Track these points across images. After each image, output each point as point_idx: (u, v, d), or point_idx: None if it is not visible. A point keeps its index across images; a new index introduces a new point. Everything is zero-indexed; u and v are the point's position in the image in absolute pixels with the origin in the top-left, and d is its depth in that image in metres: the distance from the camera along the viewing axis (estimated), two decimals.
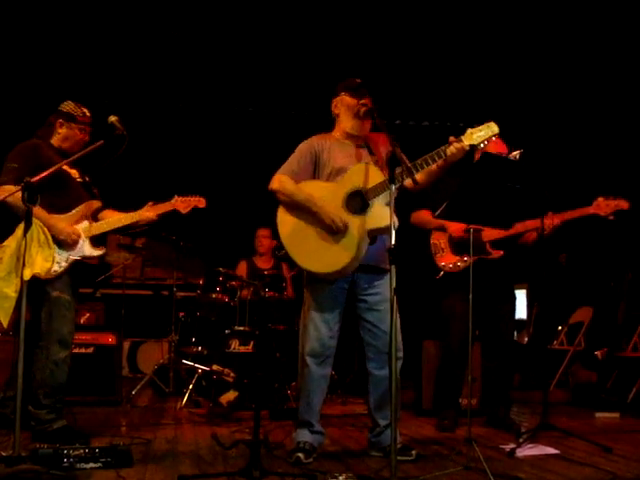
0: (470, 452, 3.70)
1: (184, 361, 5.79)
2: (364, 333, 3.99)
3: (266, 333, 5.69)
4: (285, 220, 3.93)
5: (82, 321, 7.17)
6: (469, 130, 3.59)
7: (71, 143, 4.42)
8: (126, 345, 7.49)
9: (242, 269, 6.70)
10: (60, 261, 4.07)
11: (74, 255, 4.18)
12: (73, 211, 4.25)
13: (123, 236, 6.76)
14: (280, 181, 3.92)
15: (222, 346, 5.63)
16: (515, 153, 4.06)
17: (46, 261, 3.41)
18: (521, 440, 4.21)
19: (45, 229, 3.47)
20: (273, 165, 4.10)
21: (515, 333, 8.88)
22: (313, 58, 7.52)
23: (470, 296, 3.97)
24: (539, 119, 7.52)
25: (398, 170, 3.47)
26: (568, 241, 7.64)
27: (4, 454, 3.26)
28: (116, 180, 7.36)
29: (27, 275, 3.30)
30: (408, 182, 3.81)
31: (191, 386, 5.64)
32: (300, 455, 3.77)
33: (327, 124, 4.16)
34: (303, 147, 4.02)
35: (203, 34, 7.30)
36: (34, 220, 3.38)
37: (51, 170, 3.44)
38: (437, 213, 3.59)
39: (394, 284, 3.24)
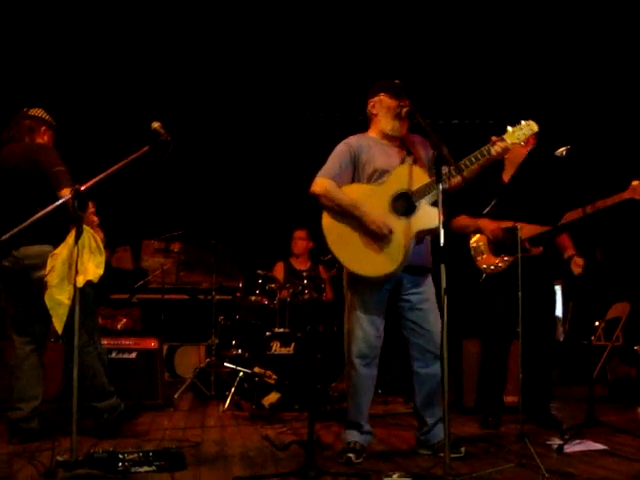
0: (521, 449, 3.70)
1: (226, 364, 5.81)
2: (407, 333, 4.00)
3: (307, 335, 5.70)
4: (330, 225, 3.92)
5: (119, 326, 7.25)
6: (510, 129, 3.61)
7: None
8: (164, 349, 7.55)
9: (279, 270, 6.72)
10: None
11: None
12: None
13: (158, 241, 6.83)
14: (323, 185, 3.91)
15: (263, 348, 5.66)
16: (562, 150, 4.04)
17: (98, 268, 3.44)
18: (567, 436, 4.19)
19: (96, 236, 3.51)
20: (308, 166, 4.13)
21: None
22: (341, 59, 7.55)
23: (520, 293, 3.95)
24: (565, 108, 7.47)
25: (444, 170, 3.48)
26: (603, 236, 7.59)
27: (61, 459, 3.31)
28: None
29: (80, 282, 3.35)
30: (449, 183, 3.83)
31: (233, 389, 5.67)
32: (351, 455, 3.79)
33: (358, 125, 4.18)
34: (342, 148, 4.02)
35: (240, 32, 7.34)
36: (85, 227, 3.43)
37: (101, 177, 3.48)
38: (485, 211, 3.59)
39: (444, 284, 3.26)
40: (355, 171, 3.99)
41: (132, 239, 7.87)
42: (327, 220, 3.93)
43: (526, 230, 4.69)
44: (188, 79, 7.76)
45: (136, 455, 3.53)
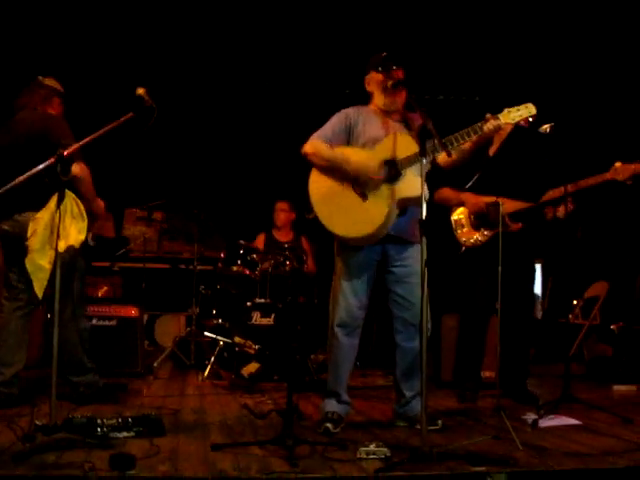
0: (497, 422, 3.75)
1: (206, 333, 5.84)
2: (392, 305, 4.02)
3: (288, 305, 5.72)
4: (317, 182, 3.95)
5: (100, 294, 7.24)
6: (506, 109, 3.61)
7: None
8: (144, 318, 7.54)
9: (260, 241, 6.72)
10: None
11: None
12: None
13: (140, 210, 6.80)
14: (314, 145, 3.95)
15: (243, 318, 5.68)
16: (546, 126, 4.06)
17: (80, 233, 3.42)
18: (542, 411, 4.25)
19: (79, 201, 3.49)
20: (292, 138, 4.13)
21: None
22: (328, 32, 7.51)
23: (499, 268, 3.99)
24: (554, 87, 7.49)
25: (429, 144, 3.49)
26: (584, 215, 7.64)
27: (39, 423, 3.31)
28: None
29: (62, 247, 3.33)
30: (441, 159, 3.85)
31: (213, 358, 5.69)
32: (329, 425, 3.82)
33: (344, 98, 4.19)
34: (339, 115, 4.05)
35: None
36: (67, 192, 3.40)
37: (84, 142, 3.46)
38: (468, 186, 3.60)
39: (425, 256, 3.28)
40: (349, 140, 4.00)
41: (114, 207, 7.81)
42: (314, 178, 3.96)
43: (508, 206, 4.71)
44: (172, 46, 7.69)
45: (115, 420, 3.54)
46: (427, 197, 3.65)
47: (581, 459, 3.29)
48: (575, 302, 7.57)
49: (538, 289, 8.52)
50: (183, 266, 7.53)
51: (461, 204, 4.91)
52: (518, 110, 3.56)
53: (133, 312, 5.77)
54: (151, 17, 7.44)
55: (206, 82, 7.96)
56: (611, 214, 7.68)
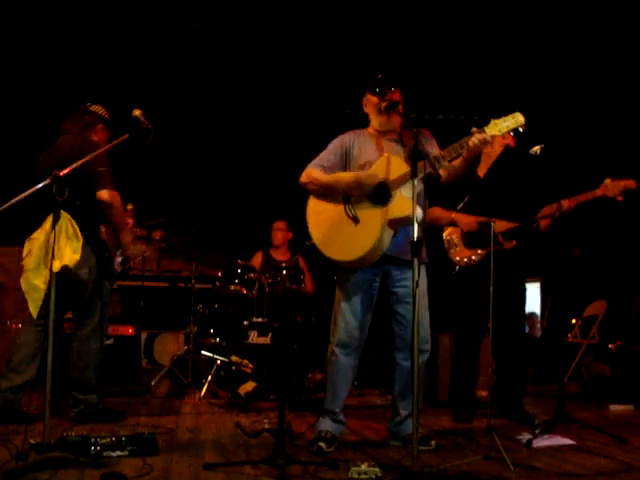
0: (490, 442, 3.75)
1: (203, 352, 5.86)
2: (394, 325, 4.05)
3: (284, 325, 5.74)
4: (313, 209, 4.04)
5: None
6: (493, 121, 3.56)
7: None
8: (143, 337, 7.55)
9: (257, 260, 6.76)
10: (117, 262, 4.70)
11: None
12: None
13: (140, 228, 6.83)
14: (308, 174, 4.03)
15: (240, 337, 5.70)
16: (536, 148, 4.08)
17: (75, 253, 3.47)
18: (537, 431, 4.25)
19: (73, 222, 3.54)
20: (290, 158, 4.18)
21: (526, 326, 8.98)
22: (327, 52, 7.58)
23: (491, 288, 4.01)
24: (542, 105, 7.54)
25: (421, 164, 3.53)
26: (582, 234, 7.66)
27: (33, 442, 3.33)
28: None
29: (56, 267, 3.37)
30: (441, 173, 3.87)
31: (210, 377, 5.70)
32: (322, 444, 3.83)
33: (344, 119, 4.24)
34: (335, 143, 4.12)
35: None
36: (62, 213, 3.45)
37: (80, 163, 3.52)
38: (459, 207, 3.62)
39: (416, 277, 3.30)
40: (346, 166, 4.06)
41: None
42: (311, 204, 4.05)
43: (500, 224, 4.74)
44: (170, 65, 7.75)
45: (109, 439, 3.56)
46: (420, 217, 3.68)
47: (572, 479, 3.30)
48: (574, 321, 7.58)
49: (537, 308, 8.54)
50: (182, 284, 7.55)
51: (452, 223, 4.94)
52: (505, 121, 3.51)
53: (130, 331, 5.80)
54: (149, 36, 7.49)
55: (205, 101, 8.01)
56: (608, 232, 7.69)
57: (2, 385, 4.39)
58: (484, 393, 5.43)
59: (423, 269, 4.05)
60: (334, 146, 4.10)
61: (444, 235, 5.04)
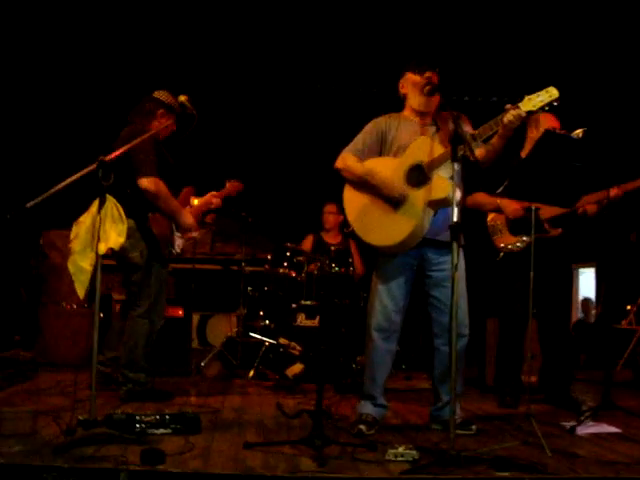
0: (529, 428, 3.73)
1: (251, 334, 5.95)
2: (431, 309, 4.05)
3: (331, 308, 5.78)
4: (350, 197, 4.04)
5: None
6: (527, 97, 3.52)
7: (167, 132, 4.76)
8: (195, 318, 7.70)
9: (308, 243, 6.79)
10: (179, 245, 4.90)
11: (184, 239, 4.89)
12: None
13: None
14: (343, 159, 4.04)
15: (289, 320, 5.77)
16: (578, 131, 4.02)
17: (119, 236, 3.56)
18: (582, 418, 4.20)
19: (119, 205, 3.63)
20: (342, 141, 4.18)
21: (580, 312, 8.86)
22: (380, 36, 7.54)
23: (531, 274, 3.97)
24: (594, 92, 7.37)
25: (461, 148, 3.51)
26: (638, 218, 7.48)
27: (82, 418, 3.45)
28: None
29: (102, 250, 3.47)
30: (478, 153, 3.82)
31: (258, 359, 5.79)
32: (362, 427, 3.86)
33: (397, 103, 4.22)
34: (370, 126, 4.10)
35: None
36: (108, 197, 3.54)
37: (126, 148, 3.61)
38: (498, 191, 3.58)
39: (455, 260, 3.30)
40: (382, 149, 4.05)
41: None
42: (347, 193, 4.05)
43: (546, 211, 4.68)
44: (218, 51, 7.85)
45: (153, 417, 3.66)
46: (458, 199, 3.67)
47: (613, 467, 3.25)
48: (629, 307, 7.44)
49: (592, 294, 8.40)
50: (235, 267, 7.63)
51: (497, 209, 4.89)
52: (538, 96, 3.46)
53: (180, 312, 5.93)
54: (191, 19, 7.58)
55: (257, 84, 8.07)
56: None
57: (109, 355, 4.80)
58: (534, 378, 5.38)
59: (461, 252, 4.03)
60: (369, 130, 4.08)
61: (488, 220, 5.00)
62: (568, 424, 4.15)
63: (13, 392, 4.81)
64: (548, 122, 4.58)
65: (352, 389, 5.27)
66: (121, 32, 7.58)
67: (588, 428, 4.12)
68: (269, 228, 6.73)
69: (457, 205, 3.43)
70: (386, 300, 3.99)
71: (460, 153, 3.56)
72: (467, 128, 3.96)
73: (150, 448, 3.08)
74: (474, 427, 3.95)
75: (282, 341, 5.61)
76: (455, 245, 3.32)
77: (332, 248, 6.10)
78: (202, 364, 6.02)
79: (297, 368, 5.51)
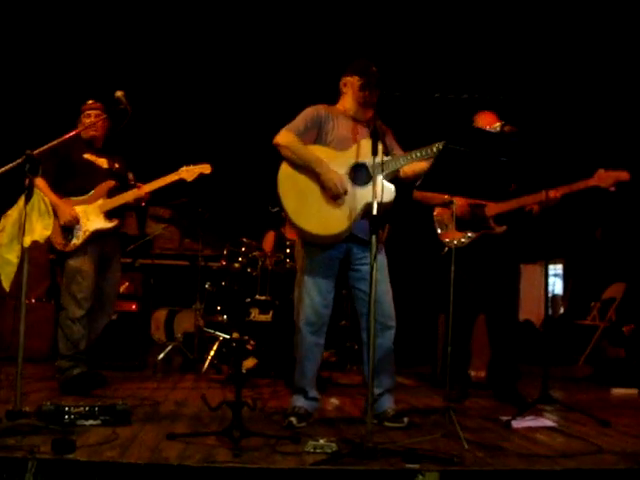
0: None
1: (205, 329, 5.98)
2: (357, 303, 4.08)
3: (285, 302, 5.81)
4: (286, 175, 4.01)
5: (122, 290, 7.42)
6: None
7: (88, 130, 4.90)
8: (163, 313, 7.74)
9: (269, 240, 6.81)
10: (78, 236, 4.75)
11: (90, 228, 4.78)
12: (87, 195, 4.86)
13: (154, 207, 6.99)
14: (287, 137, 4.01)
15: (242, 315, 5.80)
16: (496, 125, 4.07)
17: (45, 229, 3.59)
18: (520, 412, 4.23)
19: (46, 199, 3.67)
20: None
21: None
22: (319, 27, 7.58)
23: (453, 271, 4.01)
24: (538, 93, 7.41)
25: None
26: (604, 215, 7.52)
27: (27, 409, 3.51)
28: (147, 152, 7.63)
29: (27, 242, 3.51)
30: (402, 172, 3.92)
31: (212, 353, 5.83)
32: (292, 419, 3.90)
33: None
34: (310, 111, 4.11)
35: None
36: (35, 191, 3.58)
37: (54, 143, 3.67)
38: (417, 184, 3.62)
39: (373, 254, 3.34)
40: (318, 136, 4.07)
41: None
42: (284, 171, 4.02)
43: (492, 208, 4.72)
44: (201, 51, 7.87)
45: (82, 409, 3.69)
46: (390, 198, 3.78)
47: (528, 460, 3.28)
48: (592, 304, 7.47)
49: (559, 290, 8.43)
50: (203, 263, 7.66)
51: (445, 204, 4.92)
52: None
53: (133, 307, 5.97)
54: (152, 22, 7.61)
55: (212, 77, 8.09)
56: (631, 214, 7.53)
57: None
58: (482, 374, 5.42)
59: (382, 248, 4.07)
60: (310, 115, 4.09)
61: (434, 215, 5.01)
62: (505, 418, 4.18)
63: None
64: (485, 119, 4.61)
65: None
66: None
67: (524, 422, 4.16)
68: (227, 223, 6.76)
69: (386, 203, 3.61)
70: (314, 294, 4.02)
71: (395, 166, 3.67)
72: (397, 147, 4.07)
73: (61, 437, 3.10)
74: (406, 420, 3.99)
75: (235, 336, 5.63)
76: (374, 238, 3.36)
77: (287, 243, 6.12)
78: (158, 358, 6.05)
79: (250, 362, 5.55)
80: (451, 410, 3.72)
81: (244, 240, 6.17)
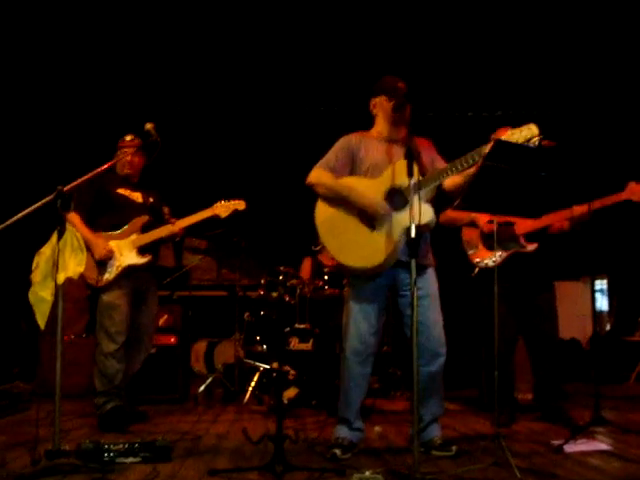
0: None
1: (245, 360, 5.91)
2: (407, 329, 3.96)
3: (325, 330, 5.72)
4: (323, 213, 3.96)
5: (160, 323, 7.39)
6: (509, 131, 3.47)
7: (123, 167, 4.95)
8: (203, 345, 7.68)
9: (307, 267, 6.74)
10: (110, 271, 4.73)
11: (122, 263, 4.75)
12: (120, 230, 4.85)
13: (190, 239, 6.97)
14: (317, 175, 3.97)
15: (282, 344, 5.72)
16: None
17: (79, 265, 3.55)
18: (572, 435, 4.07)
19: (78, 235, 3.64)
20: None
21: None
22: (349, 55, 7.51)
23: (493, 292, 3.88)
24: (568, 108, 7.27)
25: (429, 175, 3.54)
26: None
27: (66, 448, 3.49)
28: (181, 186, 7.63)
29: (60, 279, 3.48)
30: (446, 183, 3.79)
31: (253, 384, 5.74)
32: (336, 451, 3.79)
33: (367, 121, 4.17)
34: (341, 143, 4.06)
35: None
36: (68, 227, 3.55)
37: (85, 178, 3.64)
38: (455, 204, 3.51)
39: (414, 276, 3.25)
40: (352, 167, 4.00)
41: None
42: (320, 210, 3.97)
43: (521, 225, 4.60)
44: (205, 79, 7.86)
45: (122, 446, 3.64)
46: (432, 222, 3.72)
47: None
48: None
49: (604, 306, 8.20)
50: (241, 293, 7.60)
51: (470, 223, 4.80)
52: (521, 131, 3.39)
53: (172, 340, 5.93)
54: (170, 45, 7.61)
55: (241, 108, 8.07)
56: None
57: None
58: (529, 396, 5.26)
59: (432, 272, 3.96)
60: (341, 147, 4.03)
61: (463, 236, 4.90)
62: (557, 442, 4.03)
63: (1, 424, 4.82)
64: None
65: None
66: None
67: (578, 446, 4.00)
68: (264, 252, 6.70)
69: (428, 225, 3.61)
70: (361, 322, 3.93)
71: (435, 181, 3.59)
72: (433, 152, 3.95)
73: (99, 478, 3.04)
74: (454, 448, 3.86)
75: (275, 365, 5.55)
76: (413, 262, 3.27)
77: (325, 269, 6.04)
78: (199, 390, 5.98)
79: (292, 392, 5.44)
80: (500, 436, 3.57)
81: (281, 269, 6.10)
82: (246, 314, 6.29)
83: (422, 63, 6.97)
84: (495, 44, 7.36)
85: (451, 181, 3.80)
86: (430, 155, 3.99)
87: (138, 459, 3.63)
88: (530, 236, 4.68)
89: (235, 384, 6.10)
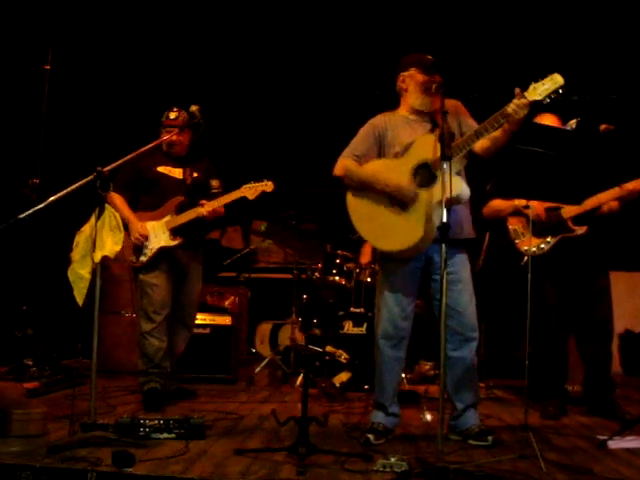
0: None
1: (299, 343, 5.93)
2: (438, 314, 3.89)
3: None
4: (354, 203, 3.90)
5: (226, 304, 7.49)
6: (532, 85, 3.33)
7: (169, 146, 4.89)
8: (268, 327, 7.73)
9: (367, 251, 6.69)
10: (145, 253, 4.77)
11: (156, 245, 4.78)
12: (158, 210, 4.85)
13: (255, 221, 7.05)
14: (343, 165, 3.91)
15: (336, 328, 5.72)
16: (572, 122, 3.76)
17: (116, 244, 3.64)
18: (621, 431, 3.91)
19: (117, 214, 3.72)
20: None
21: None
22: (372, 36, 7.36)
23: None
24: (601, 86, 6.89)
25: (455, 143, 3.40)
26: None
27: (100, 422, 3.61)
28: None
29: (97, 258, 3.57)
30: (477, 147, 3.67)
31: (307, 367, 5.75)
32: (370, 436, 3.77)
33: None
34: (366, 128, 3.99)
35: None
36: (106, 206, 3.64)
37: (124, 159, 3.72)
38: (488, 188, 3.40)
39: (443, 263, 3.19)
40: (381, 151, 3.94)
41: (242, 219, 8.08)
42: (351, 199, 3.92)
43: (568, 210, 4.42)
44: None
45: (157, 422, 3.72)
46: (467, 195, 3.62)
47: None
48: None
49: None
50: (304, 276, 7.62)
51: (517, 212, 4.64)
52: (544, 84, 3.25)
53: (227, 321, 5.99)
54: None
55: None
56: None
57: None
58: (576, 387, 5.10)
59: (465, 256, 3.86)
60: (366, 132, 3.96)
61: (509, 225, 4.75)
62: (602, 437, 3.87)
63: (55, 397, 4.96)
64: (547, 122, 4.33)
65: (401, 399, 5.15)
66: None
67: (622, 442, 3.84)
68: (324, 235, 6.66)
69: (466, 200, 3.56)
70: (393, 306, 3.87)
71: (463, 149, 3.48)
72: (464, 117, 3.82)
73: (122, 451, 3.12)
74: (490, 438, 3.77)
75: (329, 349, 5.55)
76: (444, 246, 3.20)
77: None
78: (255, 372, 6.05)
79: (344, 376, 5.41)
80: (529, 430, 3.46)
81: (338, 252, 6.09)
82: (304, 297, 6.31)
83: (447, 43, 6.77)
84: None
85: (479, 145, 3.68)
86: (457, 119, 3.86)
87: (172, 435, 3.70)
88: (578, 219, 4.49)
89: (290, 366, 6.13)
